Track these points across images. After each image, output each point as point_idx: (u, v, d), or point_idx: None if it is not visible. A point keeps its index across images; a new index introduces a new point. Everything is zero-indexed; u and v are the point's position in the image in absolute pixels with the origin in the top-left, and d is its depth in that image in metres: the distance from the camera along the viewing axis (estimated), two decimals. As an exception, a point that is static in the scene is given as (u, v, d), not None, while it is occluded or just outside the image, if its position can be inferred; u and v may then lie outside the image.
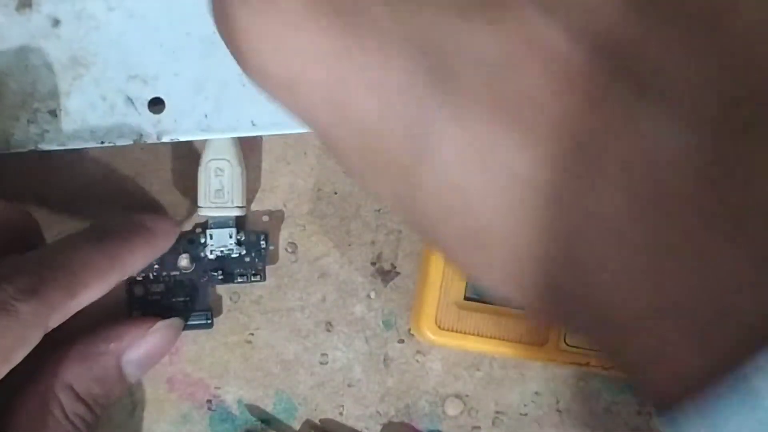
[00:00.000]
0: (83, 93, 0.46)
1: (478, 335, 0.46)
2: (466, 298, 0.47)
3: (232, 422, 0.50)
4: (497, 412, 0.50)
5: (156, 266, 0.49)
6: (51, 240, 0.49)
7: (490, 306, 0.47)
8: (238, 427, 0.50)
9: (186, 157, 0.50)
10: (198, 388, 0.50)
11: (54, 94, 0.46)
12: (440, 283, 0.46)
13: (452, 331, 0.46)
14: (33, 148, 0.46)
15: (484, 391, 0.50)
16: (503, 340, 0.46)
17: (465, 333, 0.46)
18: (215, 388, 0.50)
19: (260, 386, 0.50)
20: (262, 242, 0.49)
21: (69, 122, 0.46)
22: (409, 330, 0.50)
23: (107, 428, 0.49)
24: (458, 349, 0.48)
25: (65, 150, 0.47)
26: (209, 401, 0.50)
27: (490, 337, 0.47)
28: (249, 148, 0.49)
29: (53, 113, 0.46)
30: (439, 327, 0.46)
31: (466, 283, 0.46)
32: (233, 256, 0.49)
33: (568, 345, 0.46)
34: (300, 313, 0.50)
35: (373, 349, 0.50)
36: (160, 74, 0.47)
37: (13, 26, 0.46)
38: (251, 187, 0.50)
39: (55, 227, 0.49)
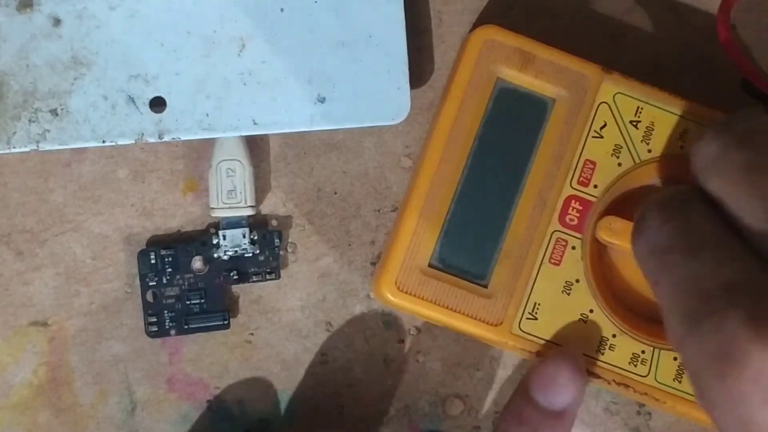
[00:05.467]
0: (84, 92, 0.46)
1: (435, 304, 0.46)
2: (430, 265, 0.46)
3: (232, 422, 0.50)
4: (497, 412, 0.50)
5: (169, 270, 0.49)
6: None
7: (453, 278, 0.46)
8: (238, 427, 0.50)
9: (186, 157, 0.50)
10: (198, 388, 0.50)
11: (55, 93, 0.46)
12: (408, 244, 0.46)
13: (411, 295, 0.46)
14: (34, 147, 0.46)
15: (484, 391, 0.50)
16: (459, 313, 0.46)
17: (423, 299, 0.46)
18: (215, 388, 0.50)
19: (260, 386, 0.50)
20: (276, 240, 0.49)
21: (70, 121, 0.46)
22: (369, 294, 0.50)
23: (108, 428, 0.49)
24: (412, 314, 0.47)
25: (66, 149, 0.47)
26: (209, 401, 0.50)
27: (447, 308, 0.46)
28: (249, 148, 0.49)
29: (54, 113, 0.46)
30: (399, 289, 0.46)
31: (434, 248, 0.46)
32: (247, 255, 0.49)
33: (522, 331, 0.46)
34: (300, 313, 0.50)
35: (373, 349, 0.50)
36: (162, 73, 0.47)
37: (14, 26, 0.46)
38: (251, 187, 0.50)
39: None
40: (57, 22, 0.46)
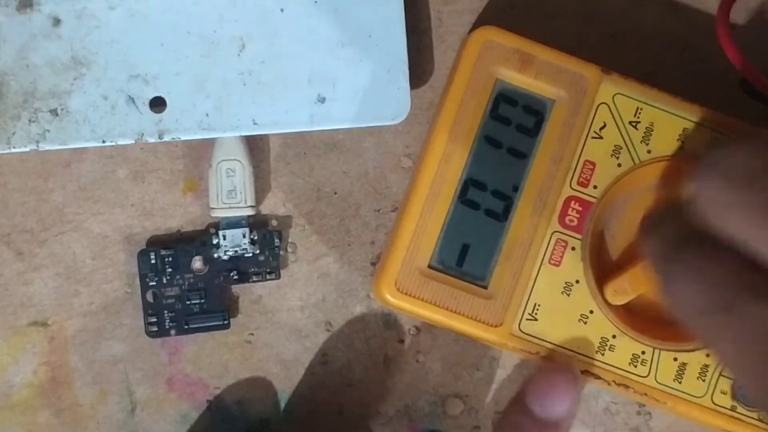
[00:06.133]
0: (84, 92, 0.46)
1: (435, 305, 0.46)
2: (430, 266, 0.46)
3: (232, 422, 0.50)
4: (497, 412, 0.50)
5: (169, 270, 0.49)
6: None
7: (452, 279, 0.46)
8: (238, 427, 0.50)
9: (186, 157, 0.50)
10: (198, 388, 0.50)
11: (55, 93, 0.46)
12: (408, 245, 0.46)
13: (410, 296, 0.46)
14: (34, 147, 0.46)
15: (484, 391, 0.50)
16: (459, 314, 0.46)
17: (423, 300, 0.46)
18: (215, 388, 0.50)
19: (260, 386, 0.50)
20: (276, 240, 0.49)
21: (70, 121, 0.46)
22: (369, 294, 0.50)
23: (108, 428, 0.49)
24: (411, 316, 0.47)
25: (66, 149, 0.47)
26: (209, 401, 0.50)
27: (447, 310, 0.46)
28: (249, 148, 0.49)
29: (54, 112, 0.46)
30: (398, 290, 0.46)
31: (434, 250, 0.46)
32: (247, 255, 0.49)
33: (522, 332, 0.46)
34: (300, 313, 0.50)
35: (373, 349, 0.50)
36: (161, 73, 0.47)
37: (14, 26, 0.46)
38: (251, 187, 0.50)
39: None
40: (57, 22, 0.46)
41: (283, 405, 0.50)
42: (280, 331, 0.50)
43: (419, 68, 0.50)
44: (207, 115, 0.47)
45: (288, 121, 0.47)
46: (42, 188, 0.49)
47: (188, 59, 0.47)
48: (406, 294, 0.46)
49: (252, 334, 0.50)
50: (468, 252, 0.46)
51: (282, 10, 0.47)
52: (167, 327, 0.49)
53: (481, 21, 0.50)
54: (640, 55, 0.50)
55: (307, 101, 0.47)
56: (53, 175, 0.49)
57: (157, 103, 0.47)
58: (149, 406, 0.50)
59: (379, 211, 0.50)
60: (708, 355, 0.46)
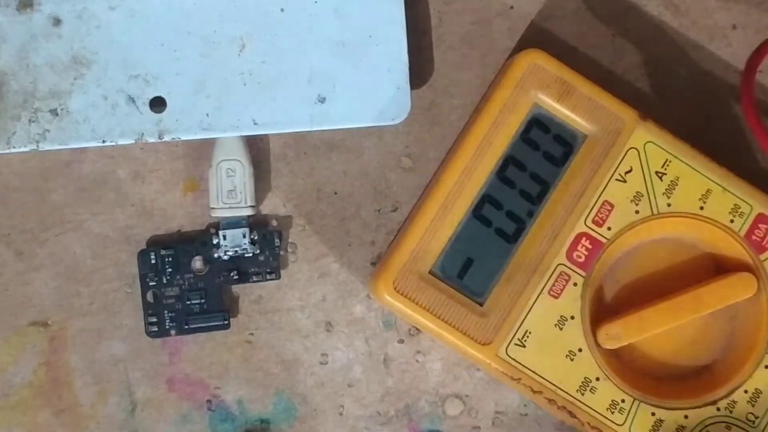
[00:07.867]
0: (85, 92, 0.46)
1: (428, 311, 0.46)
2: (431, 272, 0.46)
3: (232, 422, 0.50)
4: (497, 412, 0.50)
5: (169, 270, 0.49)
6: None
7: (450, 289, 0.46)
8: (238, 427, 0.50)
9: (186, 157, 0.49)
10: (198, 388, 0.50)
11: (55, 93, 0.46)
12: (414, 248, 0.46)
13: (406, 297, 0.46)
14: (34, 147, 0.46)
15: (484, 391, 0.50)
16: (449, 325, 0.46)
17: (417, 304, 0.46)
18: (215, 388, 0.50)
19: (260, 386, 0.50)
20: (276, 240, 0.49)
21: (70, 121, 0.46)
22: (369, 294, 0.50)
23: (108, 428, 0.49)
24: (405, 318, 0.47)
25: (66, 149, 0.47)
26: (209, 401, 0.50)
27: (439, 318, 0.46)
28: (249, 148, 0.49)
29: (54, 113, 0.46)
30: (396, 289, 0.46)
31: (438, 257, 0.46)
32: (247, 255, 0.49)
33: (508, 355, 0.46)
34: (300, 313, 0.50)
35: (373, 349, 0.50)
36: (162, 74, 0.47)
37: (14, 26, 0.46)
38: (250, 186, 0.50)
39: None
40: (57, 22, 0.46)
41: (283, 405, 0.50)
42: (280, 331, 0.50)
43: (419, 68, 0.50)
44: (207, 115, 0.47)
45: (288, 121, 0.47)
46: (42, 188, 0.49)
47: (188, 59, 0.47)
48: (402, 295, 0.46)
49: (252, 334, 0.50)
50: (471, 266, 0.46)
51: (282, 10, 0.47)
52: (167, 327, 0.49)
53: (480, 21, 0.50)
54: (640, 55, 0.50)
55: (307, 101, 0.47)
56: (53, 175, 0.49)
57: (157, 103, 0.47)
58: (149, 406, 0.50)
59: (379, 211, 0.50)
60: (686, 417, 0.46)
